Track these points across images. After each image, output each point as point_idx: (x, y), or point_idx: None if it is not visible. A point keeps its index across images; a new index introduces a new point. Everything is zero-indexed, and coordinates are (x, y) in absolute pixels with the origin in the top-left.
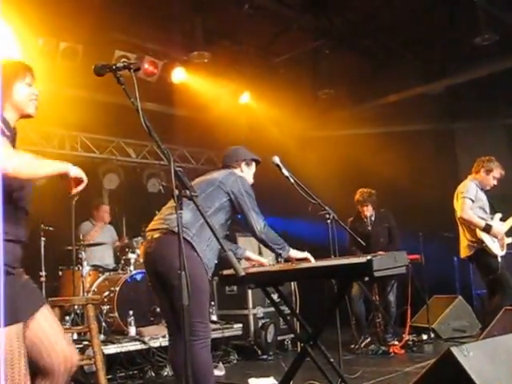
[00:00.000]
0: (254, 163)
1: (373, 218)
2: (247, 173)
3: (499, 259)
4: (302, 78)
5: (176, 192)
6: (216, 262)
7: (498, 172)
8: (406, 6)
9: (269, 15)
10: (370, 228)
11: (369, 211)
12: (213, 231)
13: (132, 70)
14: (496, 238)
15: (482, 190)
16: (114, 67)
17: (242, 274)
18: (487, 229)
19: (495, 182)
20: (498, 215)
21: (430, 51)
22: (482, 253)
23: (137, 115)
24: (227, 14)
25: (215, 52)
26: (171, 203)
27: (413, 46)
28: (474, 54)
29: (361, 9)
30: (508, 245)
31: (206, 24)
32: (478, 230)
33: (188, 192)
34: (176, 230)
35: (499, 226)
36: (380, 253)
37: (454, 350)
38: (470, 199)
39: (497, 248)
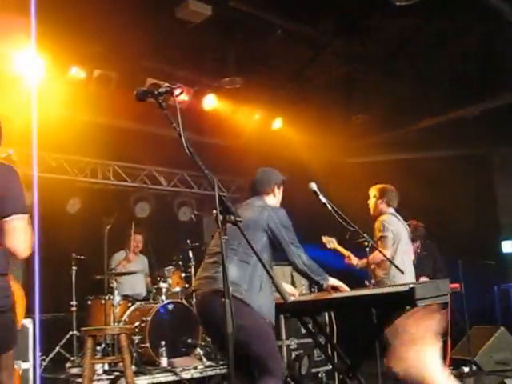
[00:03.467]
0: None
1: (418, 251)
2: (278, 197)
3: None
4: (335, 103)
5: (220, 217)
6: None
7: None
8: (441, 29)
9: (301, 40)
10: (415, 261)
11: (416, 246)
12: (263, 264)
13: (175, 95)
14: None
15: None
16: (156, 92)
17: (290, 300)
18: None
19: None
20: None
21: (466, 75)
22: None
23: (169, 143)
24: (259, 39)
25: (247, 77)
26: (215, 248)
27: (448, 70)
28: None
29: (393, 33)
30: None
31: (237, 49)
32: None
33: (232, 217)
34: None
35: None
36: (423, 279)
37: (509, 383)
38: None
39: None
